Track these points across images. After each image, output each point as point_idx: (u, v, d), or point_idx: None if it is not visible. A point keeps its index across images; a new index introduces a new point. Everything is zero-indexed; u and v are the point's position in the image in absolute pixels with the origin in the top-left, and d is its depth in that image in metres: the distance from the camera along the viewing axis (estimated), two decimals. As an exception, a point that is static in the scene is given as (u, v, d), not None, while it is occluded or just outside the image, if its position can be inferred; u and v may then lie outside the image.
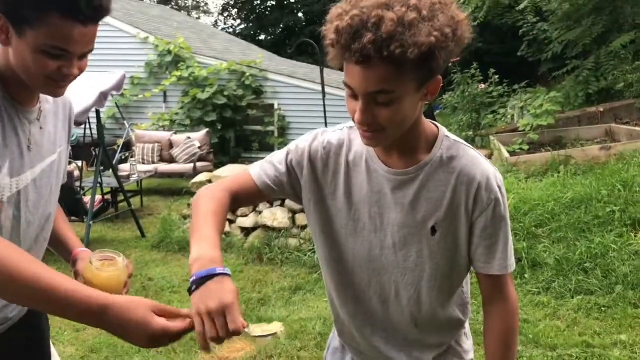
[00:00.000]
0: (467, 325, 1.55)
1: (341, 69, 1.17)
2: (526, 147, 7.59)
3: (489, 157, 8.12)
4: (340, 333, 1.54)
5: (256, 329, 1.18)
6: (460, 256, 1.36)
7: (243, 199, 1.39)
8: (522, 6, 9.88)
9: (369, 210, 1.34)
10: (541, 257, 4.61)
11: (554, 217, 5.03)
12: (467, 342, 1.54)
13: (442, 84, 1.20)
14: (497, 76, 10.00)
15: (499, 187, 1.31)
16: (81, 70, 1.31)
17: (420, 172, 1.29)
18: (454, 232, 1.32)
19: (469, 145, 1.36)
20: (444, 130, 1.34)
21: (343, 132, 1.38)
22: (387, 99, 1.12)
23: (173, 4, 31.65)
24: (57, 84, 1.30)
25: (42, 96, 1.43)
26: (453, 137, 1.35)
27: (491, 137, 8.64)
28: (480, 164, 1.30)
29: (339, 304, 1.47)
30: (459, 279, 1.42)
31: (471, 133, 9.48)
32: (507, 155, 7.19)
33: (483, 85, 10.06)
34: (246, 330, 1.09)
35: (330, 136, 1.38)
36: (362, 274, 1.38)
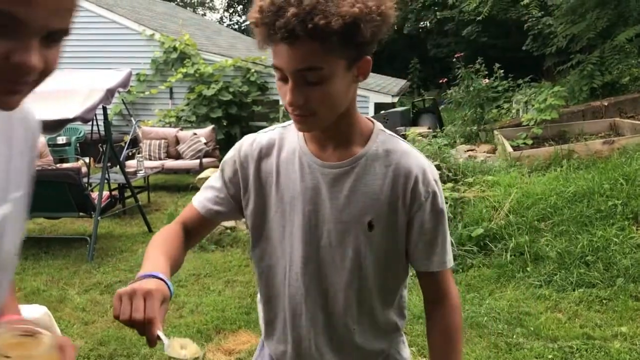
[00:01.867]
0: (402, 339, 1.48)
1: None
2: (530, 142, 7.61)
3: (492, 151, 8.15)
4: (268, 336, 1.44)
5: (174, 346, 1.06)
6: (399, 254, 1.32)
7: (195, 231, 1.38)
8: (526, 0, 9.88)
9: (302, 209, 1.28)
10: (543, 251, 4.66)
11: (556, 210, 5.07)
12: (406, 351, 1.48)
13: (371, 64, 1.18)
14: (501, 71, 10.01)
15: (435, 181, 1.28)
16: (48, 66, 0.74)
17: (356, 164, 1.26)
18: (392, 228, 1.28)
19: (403, 140, 1.34)
20: (379, 125, 1.32)
21: (274, 132, 1.35)
22: (317, 76, 1.10)
23: (178, 0, 31.70)
24: (3, 86, 0.71)
25: None
26: (388, 131, 1.32)
27: (495, 132, 8.67)
28: (416, 157, 1.28)
29: (273, 309, 1.39)
30: (398, 280, 1.37)
31: (475, 127, 9.51)
32: (510, 149, 7.22)
33: (487, 80, 10.07)
34: (164, 341, 1.05)
35: (261, 138, 1.35)
36: (299, 277, 1.32)
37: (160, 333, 1.04)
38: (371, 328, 1.36)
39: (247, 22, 1.15)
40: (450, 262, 1.33)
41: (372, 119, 1.33)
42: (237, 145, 1.37)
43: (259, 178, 1.33)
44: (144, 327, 1.03)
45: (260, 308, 1.45)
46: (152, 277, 1.10)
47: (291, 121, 1.31)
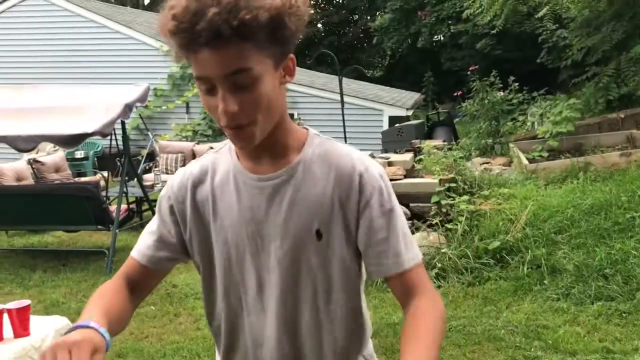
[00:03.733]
0: (370, 346, 1.35)
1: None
2: (546, 154, 7.58)
3: (508, 164, 8.12)
4: None
5: None
6: (353, 262, 1.21)
7: (142, 284, 1.26)
8: (541, 13, 9.88)
9: (245, 231, 1.19)
10: (560, 263, 4.63)
11: (573, 223, 5.04)
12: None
13: (295, 62, 1.13)
14: (516, 83, 10.00)
15: (381, 176, 1.19)
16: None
17: (294, 171, 1.17)
18: (342, 234, 1.18)
19: (341, 142, 1.26)
20: (313, 130, 1.25)
21: (206, 158, 1.27)
22: (247, 78, 1.02)
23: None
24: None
25: None
26: (324, 135, 1.25)
27: (510, 145, 8.65)
28: (358, 156, 1.20)
29: (233, 343, 1.29)
30: (356, 290, 1.25)
31: (490, 140, 9.49)
32: (526, 162, 7.20)
33: (502, 93, 10.06)
34: None
35: (192, 167, 1.27)
36: (255, 305, 1.23)
37: None
38: (335, 347, 1.24)
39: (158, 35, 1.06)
40: (412, 260, 1.18)
41: (306, 127, 1.26)
42: (168, 182, 1.28)
43: (196, 209, 1.23)
44: None
45: (217, 346, 1.34)
46: (82, 328, 1.01)
47: (223, 143, 1.27)
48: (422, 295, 1.17)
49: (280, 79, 1.09)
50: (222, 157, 1.25)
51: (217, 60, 1.00)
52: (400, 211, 1.21)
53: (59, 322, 2.67)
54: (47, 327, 2.57)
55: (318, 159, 1.19)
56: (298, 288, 1.20)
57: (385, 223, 1.17)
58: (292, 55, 1.10)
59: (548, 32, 12.24)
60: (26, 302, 2.47)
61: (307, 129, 1.24)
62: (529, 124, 9.69)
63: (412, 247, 1.20)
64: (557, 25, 11.24)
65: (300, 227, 1.17)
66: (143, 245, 1.26)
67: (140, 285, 1.25)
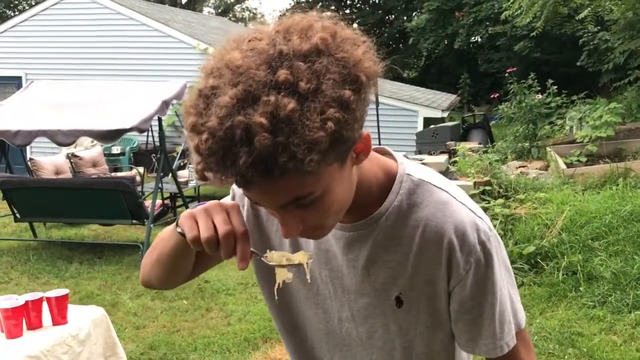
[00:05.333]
0: None
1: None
2: (584, 159, 7.43)
3: (545, 168, 7.98)
4: None
5: (278, 258, 0.93)
6: (442, 332, 1.05)
7: (199, 259, 1.10)
8: (582, 15, 9.68)
9: (319, 272, 1.06)
10: (597, 270, 4.53)
11: (611, 230, 4.93)
12: None
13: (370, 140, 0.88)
14: (555, 86, 9.81)
15: (482, 244, 0.96)
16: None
17: (374, 226, 0.99)
18: (428, 304, 1.01)
19: (441, 183, 1.01)
20: (405, 166, 1.00)
21: None
22: (309, 200, 0.82)
23: (230, 15, 32.36)
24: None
25: None
26: (419, 174, 1.00)
27: (548, 149, 8.50)
28: (453, 213, 0.96)
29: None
30: (447, 356, 1.10)
31: (527, 144, 9.34)
32: (563, 166, 7.06)
33: (540, 96, 9.89)
34: (261, 256, 0.93)
35: None
36: (322, 348, 1.12)
37: (253, 249, 0.90)
38: None
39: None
40: (507, 346, 1.01)
41: (396, 157, 1.02)
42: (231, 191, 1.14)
43: (270, 223, 1.09)
44: (235, 243, 0.87)
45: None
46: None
47: None
48: None
49: (351, 165, 0.87)
50: None
51: (264, 196, 0.82)
52: (501, 284, 1.00)
53: (96, 312, 2.72)
54: (84, 317, 2.62)
55: (404, 212, 0.98)
56: (370, 350, 1.07)
57: (479, 304, 0.99)
58: (365, 133, 0.85)
59: (589, 34, 11.99)
60: (64, 291, 2.53)
61: (396, 163, 1.01)
62: (567, 128, 9.51)
63: (507, 330, 1.01)
64: (598, 27, 11.00)
65: (377, 290, 1.02)
66: None
67: (200, 257, 1.09)
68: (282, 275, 0.94)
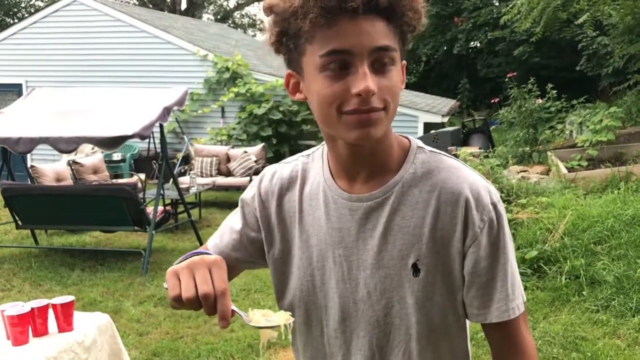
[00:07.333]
0: None
1: (291, 58, 1.00)
2: (585, 163, 7.44)
3: (546, 172, 7.99)
4: None
5: (258, 318, 0.96)
6: (457, 302, 1.06)
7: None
8: (580, 20, 9.71)
9: (332, 254, 1.07)
10: (600, 275, 4.53)
11: (614, 234, 4.93)
12: None
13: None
14: (554, 91, 9.84)
15: (494, 205, 1.02)
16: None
17: (390, 194, 1.03)
18: (444, 270, 1.03)
19: (450, 155, 1.09)
20: (416, 142, 1.09)
21: (297, 162, 1.15)
22: (388, 58, 0.94)
23: (230, 22, 32.43)
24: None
25: None
26: (429, 148, 1.09)
27: (548, 153, 8.51)
28: (467, 176, 1.03)
29: None
30: (460, 334, 1.10)
31: (528, 149, 9.36)
32: (565, 171, 7.08)
33: (540, 100, 9.91)
34: (242, 315, 0.95)
35: (282, 171, 1.15)
36: (337, 337, 1.11)
37: (234, 307, 0.92)
38: None
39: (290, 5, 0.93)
40: (517, 309, 1.05)
41: (409, 137, 1.11)
42: (256, 180, 1.18)
43: (281, 218, 1.13)
44: (215, 302, 0.90)
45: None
46: (201, 254, 0.96)
47: (314, 149, 1.15)
48: (511, 357, 1.07)
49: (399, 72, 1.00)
50: (313, 166, 1.13)
51: (365, 32, 0.90)
52: (510, 247, 1.04)
53: (101, 318, 2.73)
54: (89, 324, 2.62)
55: (419, 180, 1.03)
56: (389, 327, 1.07)
57: (492, 265, 1.02)
58: (404, 62, 1.02)
59: (588, 39, 12.03)
60: (70, 297, 2.53)
61: (409, 140, 1.09)
62: (567, 132, 9.53)
63: (518, 292, 1.05)
64: (597, 32, 11.03)
65: (394, 260, 1.03)
66: (221, 239, 1.19)
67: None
68: (267, 335, 0.97)
